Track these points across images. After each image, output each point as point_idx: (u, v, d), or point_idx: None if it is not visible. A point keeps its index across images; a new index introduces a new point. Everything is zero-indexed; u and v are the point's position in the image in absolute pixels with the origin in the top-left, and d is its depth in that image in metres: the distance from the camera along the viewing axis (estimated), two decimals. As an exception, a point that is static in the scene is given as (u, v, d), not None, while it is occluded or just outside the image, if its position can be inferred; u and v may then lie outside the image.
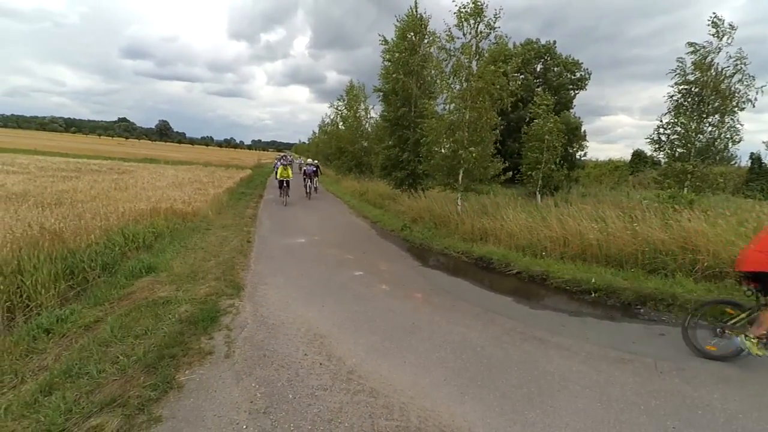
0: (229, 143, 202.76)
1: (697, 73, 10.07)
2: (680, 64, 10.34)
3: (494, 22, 10.37)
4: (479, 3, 10.25)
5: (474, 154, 10.44)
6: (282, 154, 23.61)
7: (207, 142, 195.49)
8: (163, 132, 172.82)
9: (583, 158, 29.50)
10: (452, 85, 11.16)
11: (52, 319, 4.79)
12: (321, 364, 3.98)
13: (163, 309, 4.97)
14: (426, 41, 15.25)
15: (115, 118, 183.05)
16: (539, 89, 23.33)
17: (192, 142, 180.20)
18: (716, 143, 10.12)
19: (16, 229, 6.89)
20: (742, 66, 9.58)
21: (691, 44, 10.14)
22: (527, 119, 17.03)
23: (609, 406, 3.46)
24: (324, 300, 5.78)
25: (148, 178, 19.28)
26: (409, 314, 5.42)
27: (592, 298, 6.38)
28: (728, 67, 9.74)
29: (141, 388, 3.33)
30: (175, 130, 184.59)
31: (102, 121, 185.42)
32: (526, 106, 18.62)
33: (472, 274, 7.74)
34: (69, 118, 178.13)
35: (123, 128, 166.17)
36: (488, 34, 10.53)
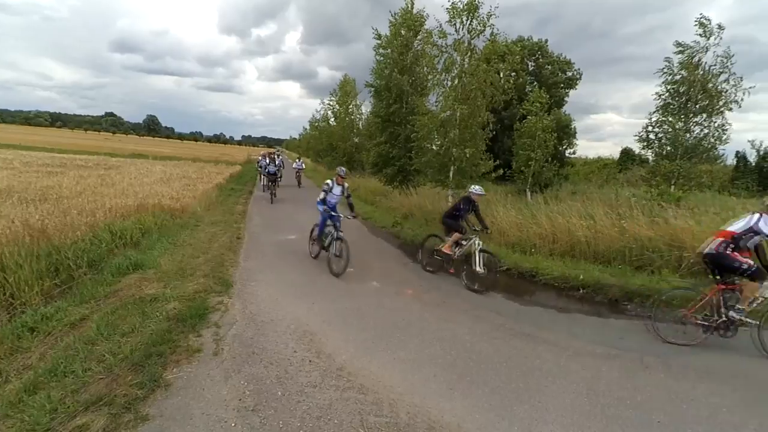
0: (218, 139, 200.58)
1: (684, 72, 10.18)
2: (668, 64, 10.45)
3: (488, 20, 10.33)
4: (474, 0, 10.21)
5: (468, 154, 10.47)
6: (269, 150, 21.33)
7: (196, 137, 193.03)
8: (151, 127, 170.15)
9: (572, 156, 29.78)
10: (444, 82, 11.15)
11: (36, 317, 4.72)
12: (310, 361, 3.97)
13: (150, 306, 4.91)
14: (419, 38, 15.19)
15: (103, 113, 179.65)
16: (534, 86, 23.43)
17: (181, 137, 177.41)
18: (704, 142, 10.26)
19: (-1, 226, 6.75)
20: (729, 65, 9.71)
21: (678, 44, 10.24)
22: (519, 117, 17.11)
23: (596, 400, 3.51)
24: (314, 297, 5.76)
25: (136, 173, 19.03)
26: (400, 311, 5.44)
27: (580, 295, 6.45)
28: (715, 65, 9.86)
29: (128, 387, 3.29)
30: (163, 125, 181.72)
31: (88, 115, 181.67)
32: (519, 104, 18.70)
33: (461, 271, 7.76)
34: (55, 113, 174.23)
35: (110, 123, 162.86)
36: (481, 32, 10.49)
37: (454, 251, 7.16)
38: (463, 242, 7.07)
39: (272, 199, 15.28)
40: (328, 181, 7.40)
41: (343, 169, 7.57)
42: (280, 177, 18.03)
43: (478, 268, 6.63)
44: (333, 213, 7.26)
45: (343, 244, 6.95)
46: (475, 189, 7.05)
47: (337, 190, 7.42)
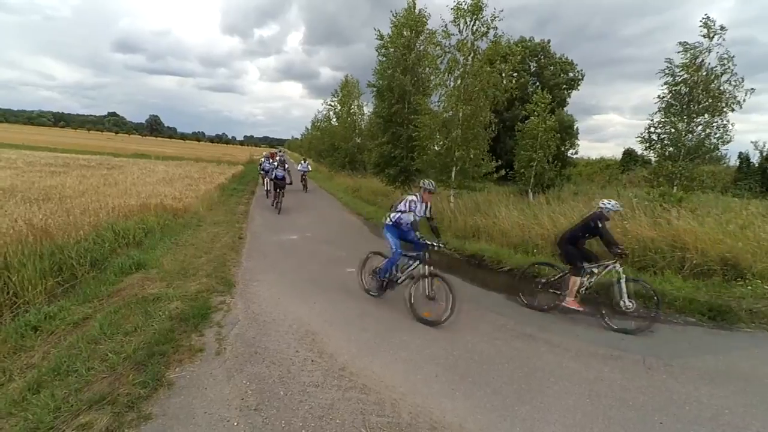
0: (221, 139, 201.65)
1: (684, 74, 10.15)
2: (669, 65, 10.42)
3: (492, 22, 10.36)
4: (478, 1, 10.24)
5: (471, 155, 10.49)
6: (272, 151, 19.05)
7: (198, 137, 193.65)
8: (153, 127, 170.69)
9: (575, 156, 29.72)
10: (447, 82, 11.17)
11: (40, 316, 4.74)
12: (312, 360, 3.98)
13: (153, 306, 4.92)
14: (422, 38, 15.19)
15: (105, 113, 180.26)
16: (536, 87, 23.50)
17: (183, 137, 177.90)
18: (706, 143, 10.22)
19: (2, 225, 6.78)
20: (730, 66, 9.69)
21: (682, 44, 10.21)
22: (522, 117, 17.11)
23: (598, 401, 3.50)
24: (316, 297, 5.77)
25: (138, 173, 19.09)
26: (401, 311, 5.43)
27: (582, 296, 6.42)
28: (716, 67, 9.84)
29: (130, 386, 3.31)
30: (166, 125, 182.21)
31: (91, 115, 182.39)
32: (522, 105, 18.70)
33: (464, 271, 7.76)
34: (58, 113, 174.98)
35: (113, 123, 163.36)
36: (485, 33, 10.52)
37: (579, 291, 5.58)
38: (595, 270, 5.59)
39: (280, 209, 13.01)
40: (413, 197, 5.54)
41: (432, 183, 5.61)
42: (290, 183, 14.33)
43: (623, 302, 5.25)
44: (421, 241, 5.42)
45: (440, 281, 5.18)
46: (610, 204, 5.55)
47: (420, 209, 5.61)
